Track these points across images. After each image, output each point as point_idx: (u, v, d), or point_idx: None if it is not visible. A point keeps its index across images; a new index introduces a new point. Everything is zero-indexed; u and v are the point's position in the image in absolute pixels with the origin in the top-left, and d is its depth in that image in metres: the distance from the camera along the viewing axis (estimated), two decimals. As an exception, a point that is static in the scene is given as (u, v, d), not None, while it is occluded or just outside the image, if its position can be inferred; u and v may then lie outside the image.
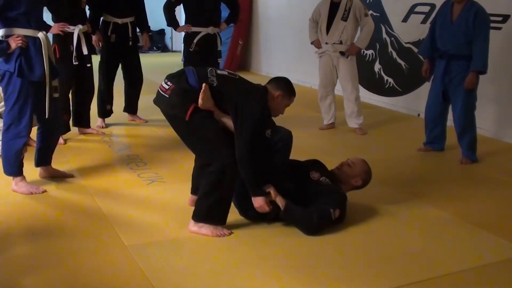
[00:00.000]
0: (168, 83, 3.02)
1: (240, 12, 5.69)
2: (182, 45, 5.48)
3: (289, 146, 3.16)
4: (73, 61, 4.60)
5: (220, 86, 2.99)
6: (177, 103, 2.98)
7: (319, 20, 5.46)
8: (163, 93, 3.02)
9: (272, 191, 3.03)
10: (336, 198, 3.16)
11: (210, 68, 3.09)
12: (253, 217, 3.17)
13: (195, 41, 5.25)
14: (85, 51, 4.67)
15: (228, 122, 3.02)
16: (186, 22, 5.40)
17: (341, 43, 5.33)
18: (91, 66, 4.87)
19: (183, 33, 5.45)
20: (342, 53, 5.35)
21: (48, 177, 3.84)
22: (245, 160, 2.92)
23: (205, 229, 3.01)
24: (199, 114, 2.95)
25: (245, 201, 3.11)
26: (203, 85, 2.92)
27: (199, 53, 5.24)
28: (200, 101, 2.92)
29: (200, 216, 3.03)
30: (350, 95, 5.44)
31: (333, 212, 3.06)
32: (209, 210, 3.01)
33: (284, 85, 3.12)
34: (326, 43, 5.40)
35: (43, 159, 3.81)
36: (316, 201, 3.11)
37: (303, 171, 3.28)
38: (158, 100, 3.08)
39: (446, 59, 4.46)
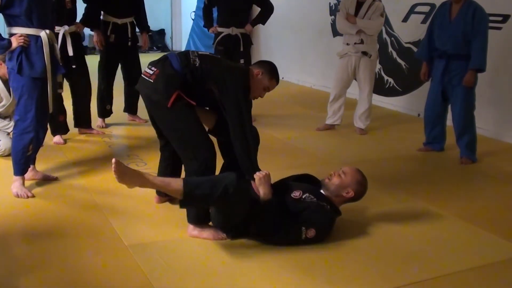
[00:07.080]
0: (153, 68, 3.00)
1: (271, 14, 5.75)
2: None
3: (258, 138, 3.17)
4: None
5: (202, 65, 2.99)
6: (161, 88, 2.94)
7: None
8: (147, 78, 2.99)
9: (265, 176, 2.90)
10: (315, 217, 2.90)
11: (191, 50, 3.10)
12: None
13: (217, 40, 5.55)
14: (70, 52, 4.60)
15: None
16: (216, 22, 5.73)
17: (362, 42, 5.28)
18: (86, 67, 4.85)
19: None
20: (364, 53, 5.29)
21: (31, 179, 3.75)
22: (241, 133, 2.92)
23: (206, 232, 2.97)
24: (181, 102, 2.93)
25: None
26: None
27: (224, 53, 5.43)
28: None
29: (199, 218, 2.97)
30: (367, 96, 5.40)
31: (305, 230, 2.84)
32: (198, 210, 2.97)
33: (268, 66, 3.14)
34: (348, 44, 5.35)
35: None
36: (295, 217, 2.90)
37: (284, 190, 3.02)
38: (142, 85, 3.04)
39: (446, 59, 4.46)
